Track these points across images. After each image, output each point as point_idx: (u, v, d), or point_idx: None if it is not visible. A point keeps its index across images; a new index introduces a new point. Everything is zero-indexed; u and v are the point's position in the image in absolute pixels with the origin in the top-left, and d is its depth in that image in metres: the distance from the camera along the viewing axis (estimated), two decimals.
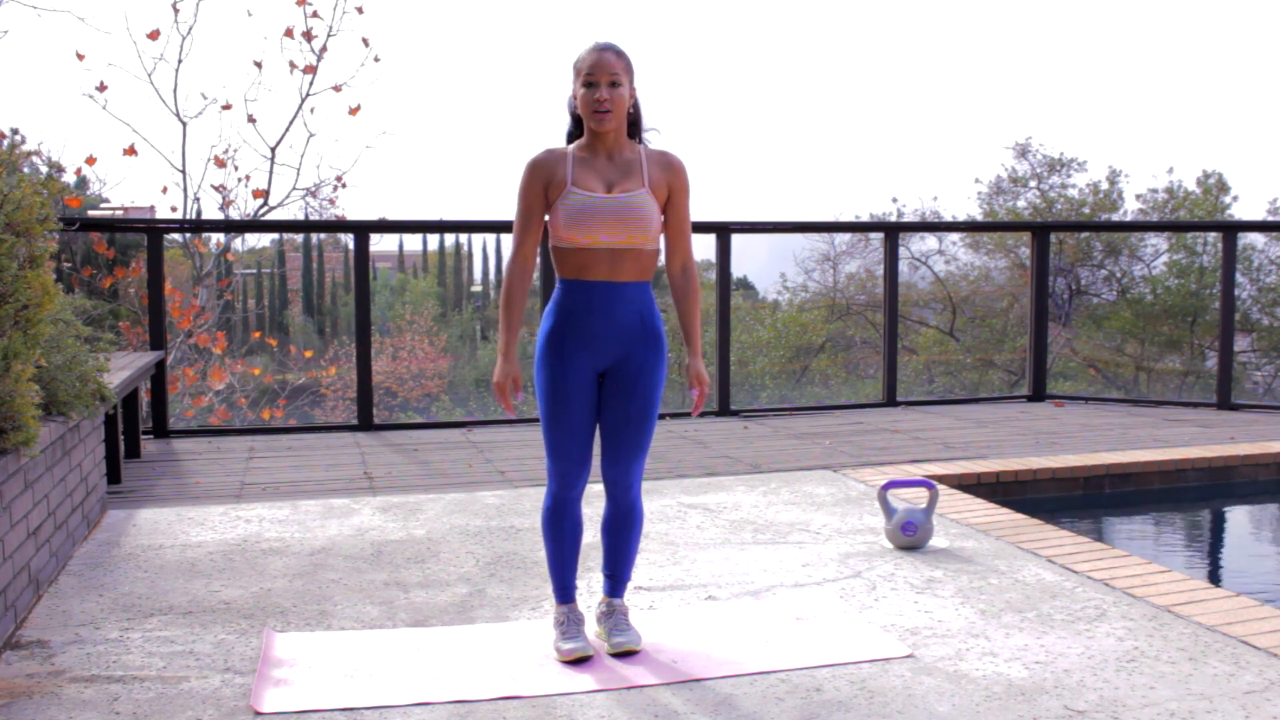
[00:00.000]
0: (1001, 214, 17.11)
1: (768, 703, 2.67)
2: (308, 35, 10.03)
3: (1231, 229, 8.02)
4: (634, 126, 2.99)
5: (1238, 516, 5.66)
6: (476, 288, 35.98)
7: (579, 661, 2.91)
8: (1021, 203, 17.37)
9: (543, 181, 2.92)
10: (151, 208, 10.54)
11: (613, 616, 3.04)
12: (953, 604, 3.38)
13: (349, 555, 3.93)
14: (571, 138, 3.01)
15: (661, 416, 7.55)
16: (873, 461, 5.67)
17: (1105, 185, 16.90)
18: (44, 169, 8.97)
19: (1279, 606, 3.31)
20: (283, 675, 2.83)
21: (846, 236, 16.76)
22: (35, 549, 3.39)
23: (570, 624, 3.01)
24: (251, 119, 10.16)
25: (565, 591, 3.06)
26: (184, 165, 10.01)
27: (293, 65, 10.15)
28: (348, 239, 7.48)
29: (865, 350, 16.01)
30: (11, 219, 3.14)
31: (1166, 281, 15.40)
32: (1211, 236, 14.74)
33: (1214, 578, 4.65)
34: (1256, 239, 14.87)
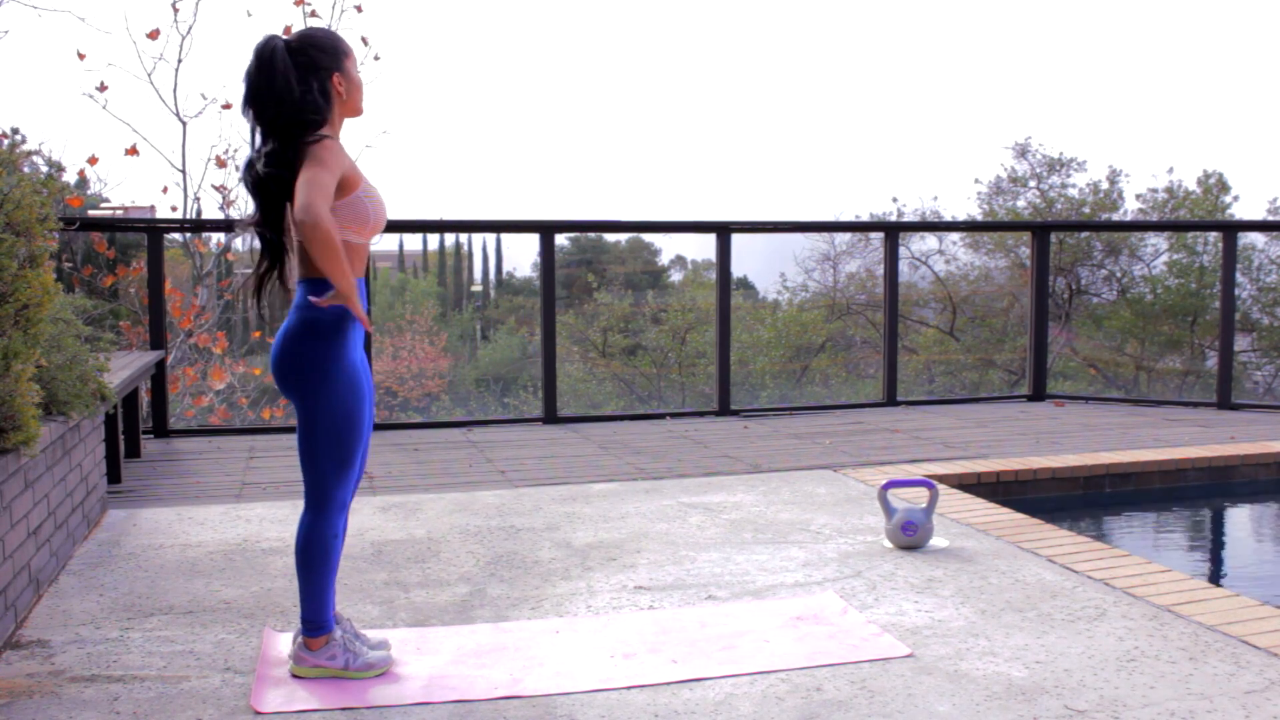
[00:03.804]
0: (1001, 214, 17.11)
1: (768, 703, 2.67)
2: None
3: (1231, 229, 8.03)
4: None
5: (1238, 516, 5.66)
6: (476, 287, 35.98)
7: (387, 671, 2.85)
8: (1021, 203, 17.37)
9: (345, 165, 2.72)
10: (152, 207, 10.53)
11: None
12: (953, 604, 3.38)
13: (349, 555, 3.93)
14: (302, 126, 2.72)
15: (661, 416, 7.55)
16: (873, 461, 5.67)
17: (1105, 185, 16.89)
18: (44, 169, 8.96)
19: (1279, 606, 3.31)
20: (283, 675, 2.83)
21: (846, 236, 16.76)
22: (35, 548, 3.39)
23: (355, 635, 2.93)
24: None
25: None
26: (184, 165, 10.02)
27: None
28: None
29: (865, 350, 16.01)
30: (11, 218, 3.14)
31: (1166, 281, 15.39)
32: (1212, 236, 14.73)
33: (1214, 578, 4.65)
34: (1257, 238, 14.86)
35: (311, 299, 2.72)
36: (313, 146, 2.69)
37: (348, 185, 2.73)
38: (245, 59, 2.77)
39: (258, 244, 2.85)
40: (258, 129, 2.75)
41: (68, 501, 3.85)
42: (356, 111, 2.88)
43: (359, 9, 10.21)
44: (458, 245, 35.04)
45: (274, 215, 2.79)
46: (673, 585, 3.61)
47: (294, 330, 2.76)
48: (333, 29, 2.93)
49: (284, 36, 2.82)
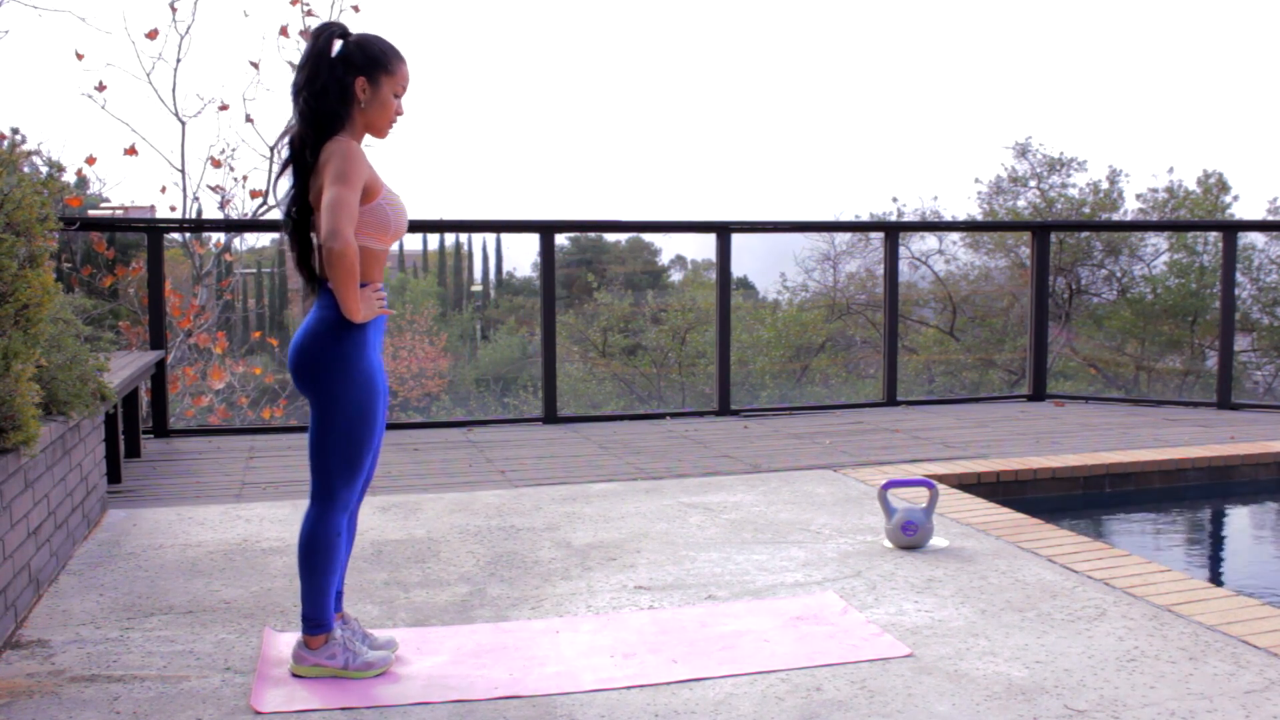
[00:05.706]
0: (1001, 214, 17.11)
1: (768, 702, 2.67)
2: (304, 34, 10.03)
3: (1232, 228, 8.02)
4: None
5: (1238, 516, 5.66)
6: (476, 287, 35.99)
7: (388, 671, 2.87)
8: (1021, 202, 17.37)
9: (366, 173, 2.74)
10: (151, 207, 10.54)
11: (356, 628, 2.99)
12: (953, 603, 3.38)
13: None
14: (319, 119, 2.75)
15: (661, 416, 7.55)
16: (873, 461, 5.67)
17: (1105, 185, 16.90)
18: (44, 169, 8.96)
19: (1279, 606, 3.31)
20: (283, 674, 2.83)
21: (846, 236, 16.76)
22: (35, 548, 3.39)
23: (363, 635, 2.95)
24: (249, 119, 10.18)
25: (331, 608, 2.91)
26: (183, 165, 10.02)
27: (290, 64, 10.15)
28: None
29: (865, 350, 16.01)
30: (11, 218, 3.14)
31: (1167, 281, 15.40)
32: (1212, 236, 14.74)
33: (1214, 577, 4.65)
34: (1257, 238, 14.86)
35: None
36: (335, 152, 2.69)
37: (370, 192, 2.75)
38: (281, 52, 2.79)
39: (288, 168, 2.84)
40: (296, 105, 2.77)
41: (68, 501, 3.85)
42: (376, 131, 2.83)
43: (356, 9, 10.21)
44: (458, 245, 35.07)
45: (301, 192, 2.81)
46: (673, 585, 3.61)
47: (314, 328, 2.77)
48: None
49: (347, 27, 2.83)
